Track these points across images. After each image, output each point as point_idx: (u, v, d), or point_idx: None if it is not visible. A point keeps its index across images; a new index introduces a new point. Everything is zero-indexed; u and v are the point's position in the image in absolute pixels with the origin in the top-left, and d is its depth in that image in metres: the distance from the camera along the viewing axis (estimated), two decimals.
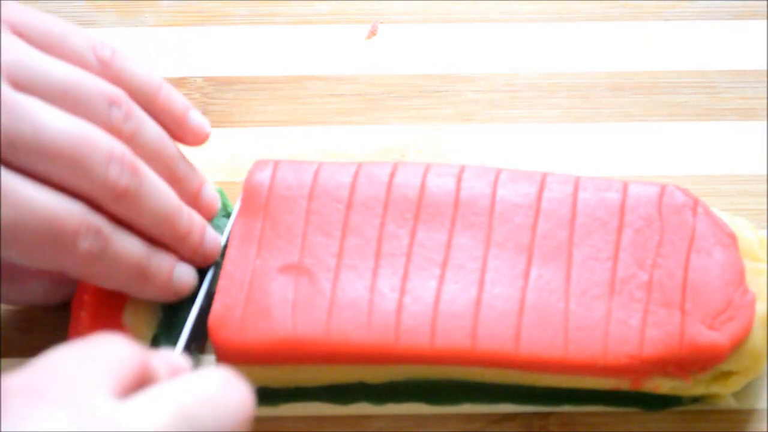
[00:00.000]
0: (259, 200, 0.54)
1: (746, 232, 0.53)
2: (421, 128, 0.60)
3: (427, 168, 0.54)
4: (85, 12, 0.62)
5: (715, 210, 0.54)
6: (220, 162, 0.59)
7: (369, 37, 0.62)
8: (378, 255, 0.52)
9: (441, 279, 0.52)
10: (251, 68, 0.61)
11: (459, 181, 0.54)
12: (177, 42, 0.62)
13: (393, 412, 0.54)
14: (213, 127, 0.59)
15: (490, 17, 0.63)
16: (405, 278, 0.52)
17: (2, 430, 0.36)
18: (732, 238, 0.53)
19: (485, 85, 0.61)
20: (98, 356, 0.40)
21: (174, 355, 0.44)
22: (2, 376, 0.38)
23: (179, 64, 0.61)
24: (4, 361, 0.54)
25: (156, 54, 0.61)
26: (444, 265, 0.52)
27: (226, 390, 0.41)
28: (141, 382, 0.40)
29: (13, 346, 0.54)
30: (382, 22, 0.63)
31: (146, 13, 0.63)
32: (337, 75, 0.61)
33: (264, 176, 0.54)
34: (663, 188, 0.54)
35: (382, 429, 0.53)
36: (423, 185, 0.54)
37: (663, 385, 0.51)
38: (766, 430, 0.53)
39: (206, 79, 0.61)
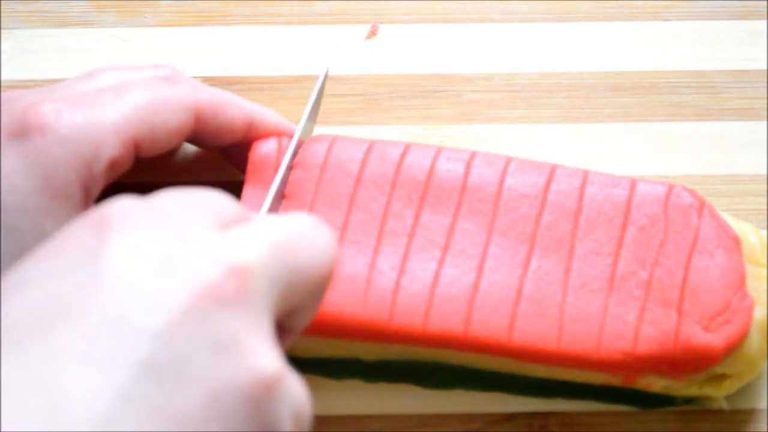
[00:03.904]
0: (266, 172, 0.54)
1: (750, 236, 0.53)
2: (421, 128, 0.60)
3: (438, 151, 0.54)
4: (86, 12, 0.62)
5: (722, 213, 0.54)
6: (221, 162, 0.59)
7: (369, 37, 0.62)
8: (381, 233, 0.52)
9: (441, 262, 0.52)
10: (251, 68, 0.61)
11: (468, 166, 0.54)
12: (177, 42, 0.62)
13: (393, 412, 0.54)
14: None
15: (490, 17, 0.63)
16: (405, 258, 0.52)
17: (112, 246, 0.37)
18: (735, 241, 0.53)
19: (485, 85, 0.61)
20: (201, 198, 0.41)
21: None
22: (111, 200, 0.39)
23: (179, 64, 0.61)
24: None
25: (156, 54, 0.61)
26: (445, 249, 0.52)
27: (316, 230, 0.42)
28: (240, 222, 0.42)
29: None
30: (382, 22, 0.63)
31: (146, 13, 0.63)
32: (337, 75, 0.61)
33: (269, 148, 0.54)
34: (671, 188, 0.54)
35: (382, 429, 0.53)
36: (432, 167, 0.54)
37: (656, 384, 0.51)
38: (766, 430, 0.53)
39: (206, 79, 0.61)
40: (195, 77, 0.61)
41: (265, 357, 0.37)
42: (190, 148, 0.59)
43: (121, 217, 0.38)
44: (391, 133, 0.60)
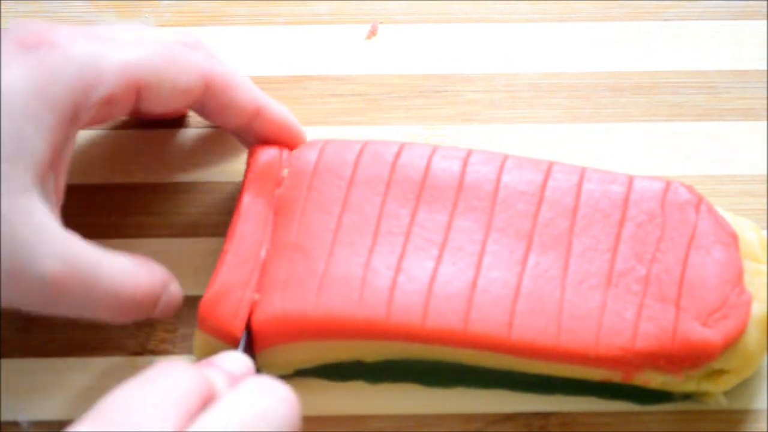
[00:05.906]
0: (266, 183, 0.54)
1: (748, 232, 0.54)
2: (421, 128, 0.60)
3: (434, 150, 0.54)
4: (86, 12, 0.62)
5: (719, 209, 0.54)
6: (221, 162, 0.59)
7: (369, 37, 0.62)
8: (376, 233, 0.52)
9: (438, 260, 0.52)
10: (251, 68, 0.61)
11: (465, 164, 0.54)
12: None
13: (393, 412, 0.54)
14: (212, 126, 0.59)
15: (490, 17, 0.63)
16: (402, 257, 0.52)
17: None
18: (733, 237, 0.53)
19: (485, 85, 0.61)
20: (163, 392, 0.41)
21: (232, 359, 0.46)
22: (75, 425, 0.40)
23: None
24: (4, 361, 0.54)
25: None
26: (442, 247, 0.52)
27: (277, 402, 0.43)
28: (205, 403, 0.42)
29: (14, 347, 0.54)
30: (382, 22, 0.63)
31: (146, 13, 0.63)
32: (337, 75, 0.61)
33: (270, 156, 0.54)
34: (668, 184, 0.54)
35: (382, 429, 0.53)
36: (428, 167, 0.54)
37: (654, 380, 0.51)
38: (766, 430, 0.53)
39: None
40: None
41: None
42: (186, 149, 0.59)
43: None
44: (391, 133, 0.60)
